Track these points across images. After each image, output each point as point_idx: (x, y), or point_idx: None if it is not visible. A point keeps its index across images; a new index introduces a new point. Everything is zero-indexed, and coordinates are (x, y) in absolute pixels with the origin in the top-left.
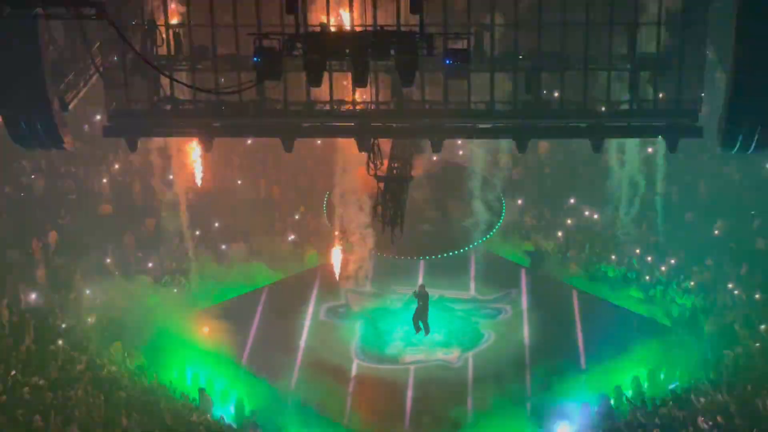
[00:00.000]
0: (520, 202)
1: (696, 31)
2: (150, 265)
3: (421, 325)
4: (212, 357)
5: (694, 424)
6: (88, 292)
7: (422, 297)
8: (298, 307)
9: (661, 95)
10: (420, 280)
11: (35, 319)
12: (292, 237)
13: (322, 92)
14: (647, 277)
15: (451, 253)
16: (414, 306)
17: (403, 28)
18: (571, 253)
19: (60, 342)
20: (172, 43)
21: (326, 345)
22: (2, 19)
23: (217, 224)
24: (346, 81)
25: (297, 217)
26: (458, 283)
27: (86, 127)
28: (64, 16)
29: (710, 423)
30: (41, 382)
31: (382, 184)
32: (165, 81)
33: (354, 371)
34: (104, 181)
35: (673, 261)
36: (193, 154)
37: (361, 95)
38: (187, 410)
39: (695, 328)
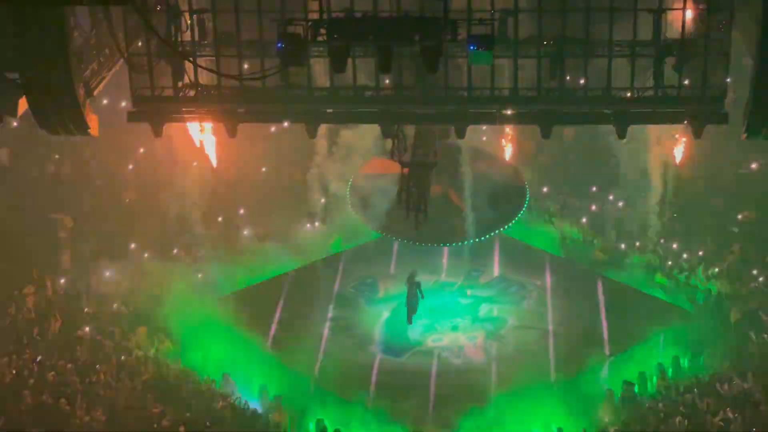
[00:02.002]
0: (545, 189)
1: (722, 16)
2: (174, 250)
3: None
4: (236, 342)
5: (718, 412)
6: (112, 276)
7: (411, 284)
8: (321, 292)
9: (686, 81)
10: (444, 265)
11: (61, 304)
12: (316, 223)
13: (346, 78)
14: (672, 264)
15: (474, 240)
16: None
17: (427, 14)
18: (596, 239)
19: (86, 327)
20: (196, 28)
21: (350, 330)
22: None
23: (241, 210)
24: (370, 67)
25: (323, 201)
26: (483, 269)
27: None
28: (90, 2)
29: (735, 412)
30: (68, 366)
31: (406, 170)
32: (189, 66)
33: (378, 355)
34: (129, 167)
35: (698, 248)
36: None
37: (385, 81)
38: (212, 395)
39: (720, 315)
